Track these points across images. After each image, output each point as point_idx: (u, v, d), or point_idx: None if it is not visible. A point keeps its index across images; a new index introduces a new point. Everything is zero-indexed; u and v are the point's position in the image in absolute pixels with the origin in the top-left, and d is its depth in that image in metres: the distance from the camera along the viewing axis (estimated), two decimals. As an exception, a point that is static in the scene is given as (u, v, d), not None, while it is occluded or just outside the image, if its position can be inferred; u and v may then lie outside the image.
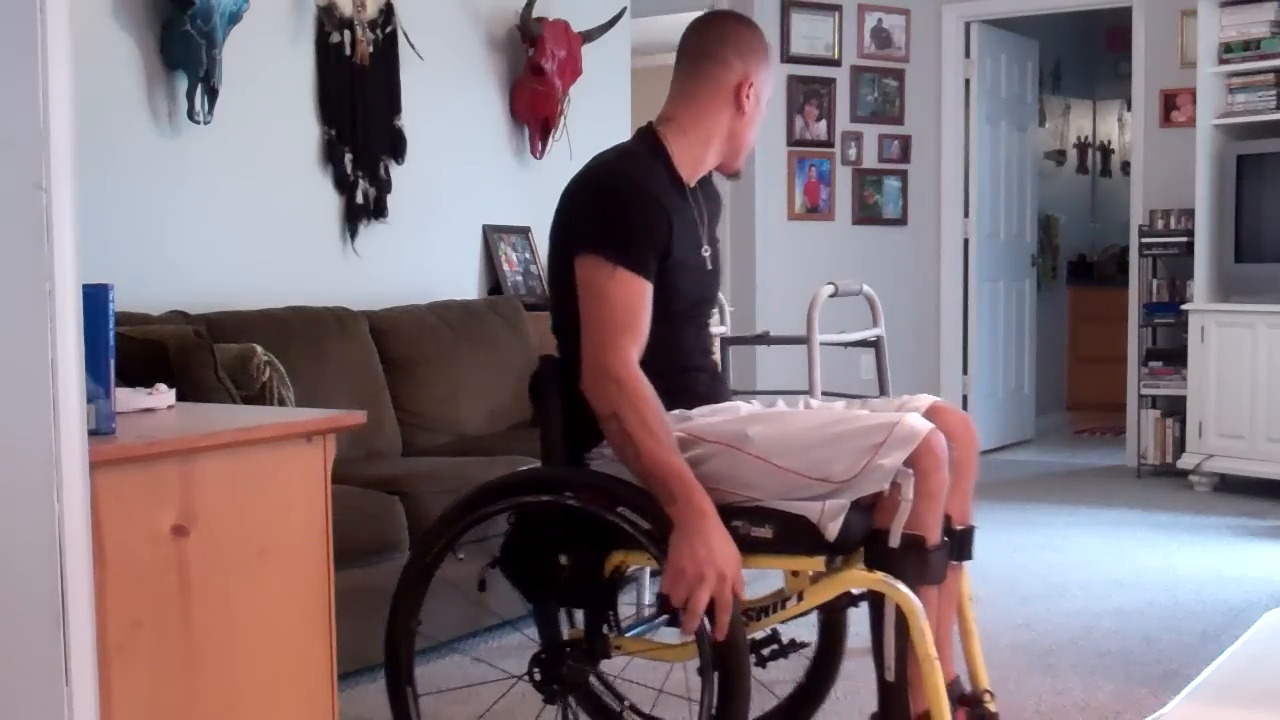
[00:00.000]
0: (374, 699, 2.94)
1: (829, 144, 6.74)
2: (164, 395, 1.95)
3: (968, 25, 6.94)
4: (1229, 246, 5.80)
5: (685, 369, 2.40)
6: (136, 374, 2.09)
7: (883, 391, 2.97)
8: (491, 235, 4.78)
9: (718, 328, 3.39)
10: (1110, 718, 2.91)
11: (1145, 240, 6.32)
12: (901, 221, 6.94)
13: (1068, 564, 4.44)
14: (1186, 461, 5.85)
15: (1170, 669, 3.24)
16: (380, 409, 3.86)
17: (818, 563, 2.17)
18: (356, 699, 2.83)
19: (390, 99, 4.29)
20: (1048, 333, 8.13)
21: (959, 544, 2.34)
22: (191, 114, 3.60)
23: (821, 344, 2.88)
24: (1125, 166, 8.54)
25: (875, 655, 2.23)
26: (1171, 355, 6.15)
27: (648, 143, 2.39)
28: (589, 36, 4.95)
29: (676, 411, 2.28)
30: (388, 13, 4.25)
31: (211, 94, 3.61)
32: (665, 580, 2.09)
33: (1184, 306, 5.94)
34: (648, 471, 2.13)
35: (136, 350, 2.76)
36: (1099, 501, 5.61)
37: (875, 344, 3.16)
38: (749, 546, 2.15)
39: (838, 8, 6.71)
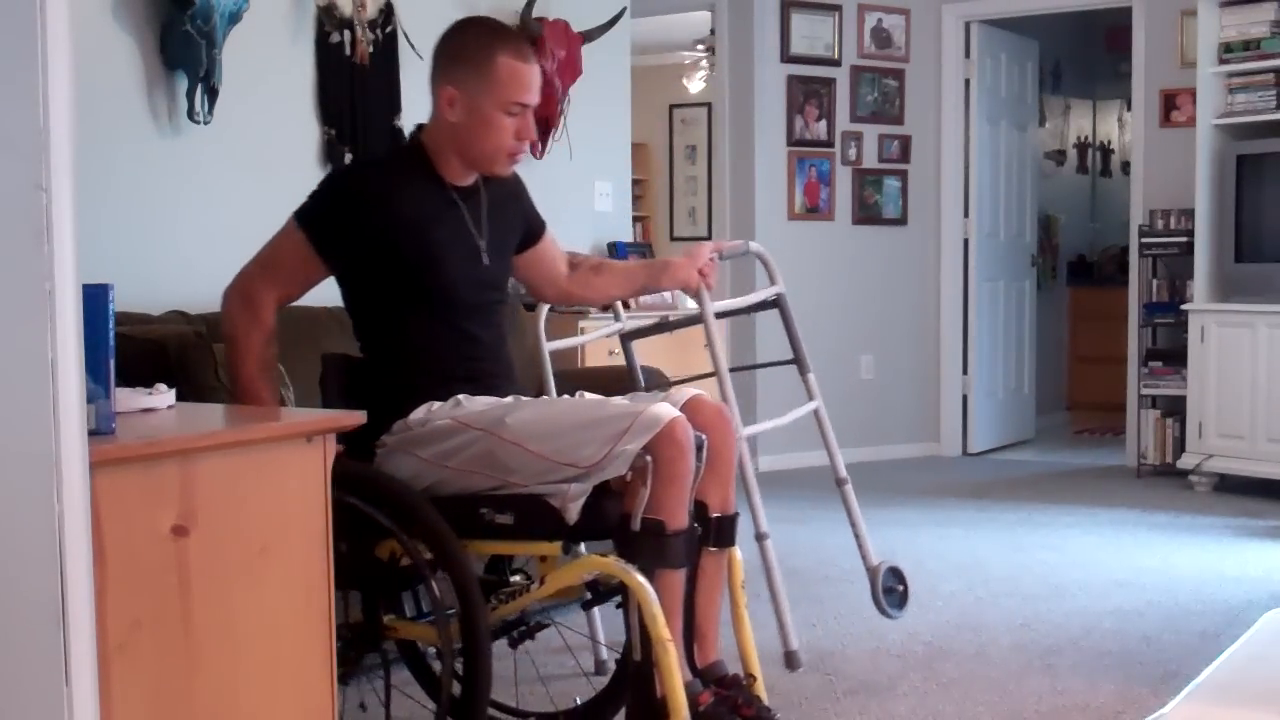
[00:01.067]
0: (374, 699, 2.94)
1: (829, 144, 6.74)
2: (164, 395, 1.95)
3: (968, 25, 6.94)
4: (1229, 246, 5.80)
5: (463, 358, 2.53)
6: (136, 374, 2.09)
7: (795, 352, 2.91)
8: (491, 235, 4.78)
9: (614, 325, 3.38)
10: (1110, 718, 2.91)
11: (1145, 240, 6.33)
12: (901, 221, 6.95)
13: (1068, 564, 4.44)
14: (1186, 461, 5.86)
15: (1170, 669, 3.24)
16: (380, 409, 3.86)
17: (555, 547, 2.29)
18: (357, 699, 2.82)
19: (390, 99, 4.28)
20: (1048, 333, 8.13)
21: (718, 531, 2.44)
22: (191, 114, 3.60)
23: (720, 315, 2.82)
24: (1125, 166, 8.55)
25: (627, 639, 2.33)
26: (1171, 355, 6.15)
27: (409, 149, 2.60)
28: (589, 36, 4.95)
29: (453, 399, 2.43)
30: (388, 13, 4.25)
31: (211, 94, 3.61)
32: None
33: (1184, 306, 5.94)
34: (234, 378, 2.48)
35: (136, 350, 2.76)
36: (1099, 501, 5.61)
37: (777, 303, 3.04)
38: (492, 533, 2.29)
39: (838, 8, 6.72)
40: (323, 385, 2.63)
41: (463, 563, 2.26)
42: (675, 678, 2.20)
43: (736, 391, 2.78)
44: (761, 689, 2.49)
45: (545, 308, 2.99)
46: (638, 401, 2.40)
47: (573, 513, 2.26)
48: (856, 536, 3.04)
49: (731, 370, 2.84)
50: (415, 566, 2.32)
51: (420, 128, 2.60)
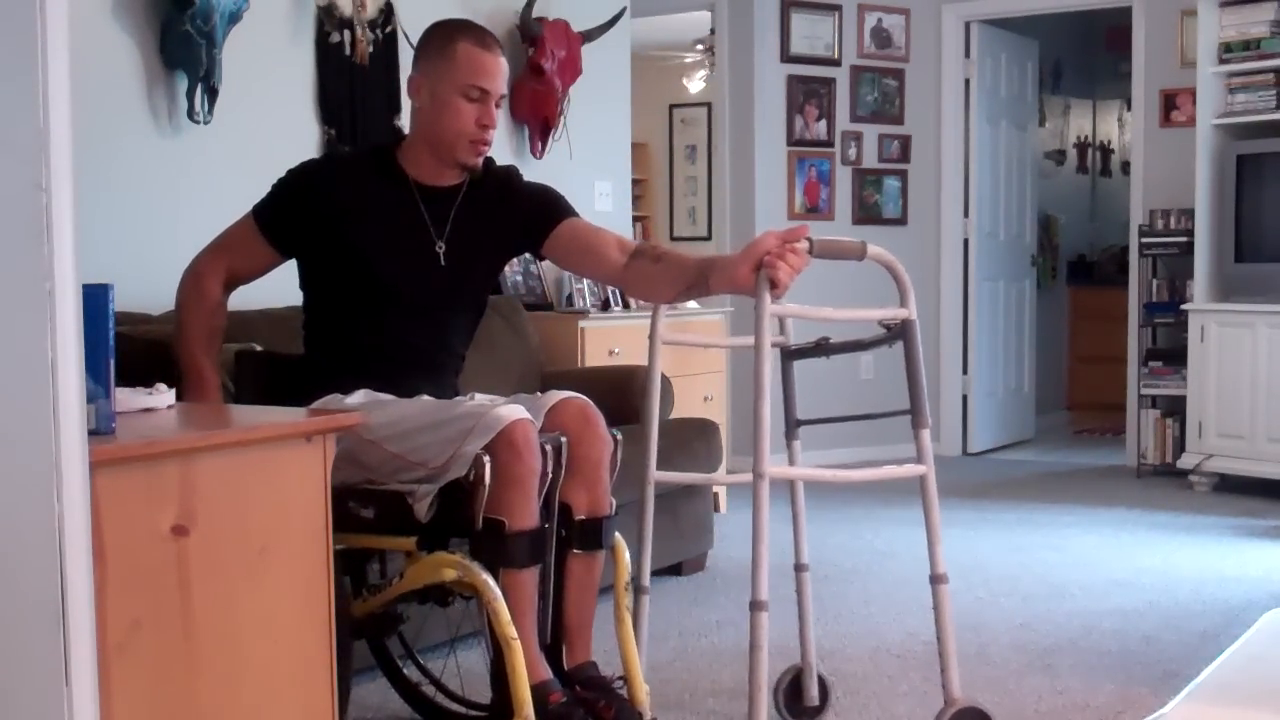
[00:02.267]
0: (374, 699, 2.95)
1: (829, 144, 6.74)
2: (164, 395, 1.95)
3: (968, 25, 6.95)
4: (1229, 246, 5.80)
5: (383, 357, 2.58)
6: (136, 374, 2.09)
7: (913, 399, 2.45)
8: (491, 235, 4.78)
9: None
10: (1110, 718, 2.91)
11: (1145, 240, 6.33)
12: (901, 221, 6.95)
13: (1068, 564, 4.44)
14: (1186, 461, 5.86)
15: (1170, 669, 3.24)
16: (380, 409, 3.86)
17: (409, 543, 2.35)
18: (357, 699, 2.83)
19: (390, 99, 4.28)
20: (1048, 332, 8.13)
21: (582, 534, 2.47)
22: (191, 114, 3.60)
23: (823, 349, 2.66)
24: (1125, 166, 8.55)
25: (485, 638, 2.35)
26: (1171, 355, 6.15)
27: (376, 148, 2.70)
28: (589, 36, 4.95)
29: (353, 394, 2.48)
30: (388, 13, 4.25)
31: (211, 94, 3.61)
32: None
33: (1184, 306, 5.94)
34: (180, 361, 2.53)
35: (136, 350, 2.76)
36: (1099, 501, 5.61)
37: (902, 332, 2.56)
38: (356, 525, 2.34)
39: (838, 8, 6.72)
40: (236, 382, 2.72)
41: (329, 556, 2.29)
42: (519, 675, 2.21)
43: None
44: (638, 690, 2.46)
45: (662, 309, 2.70)
46: (494, 404, 2.40)
47: (421, 511, 2.31)
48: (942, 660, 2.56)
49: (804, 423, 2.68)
50: None
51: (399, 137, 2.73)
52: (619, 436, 2.56)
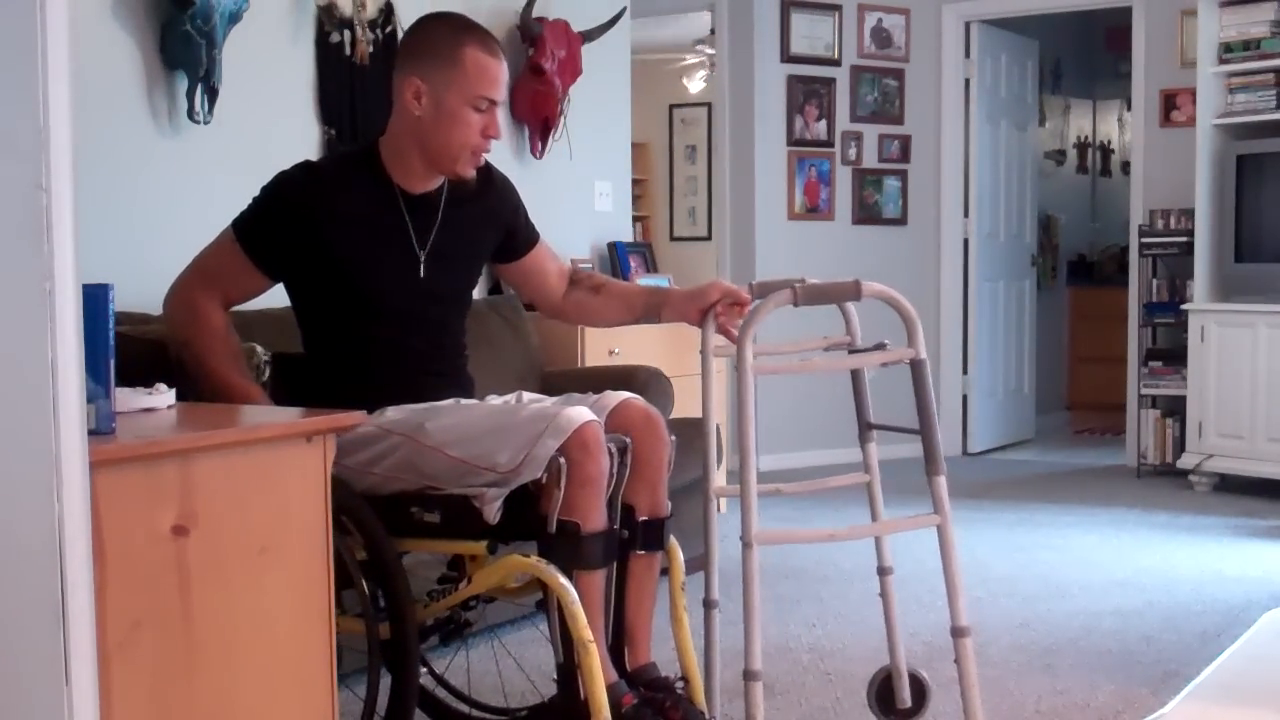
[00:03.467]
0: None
1: (829, 144, 6.74)
2: (164, 395, 1.95)
3: (968, 25, 6.94)
4: (1229, 246, 5.80)
5: (395, 368, 2.54)
6: (136, 374, 2.09)
7: (926, 445, 2.49)
8: (491, 235, 4.78)
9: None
10: (1110, 718, 2.91)
11: (1145, 240, 6.33)
12: (901, 221, 6.95)
13: (1068, 564, 4.44)
14: (1186, 461, 5.85)
15: (1170, 669, 3.24)
16: (380, 409, 3.86)
17: (479, 546, 2.32)
18: (357, 699, 2.82)
19: (390, 99, 4.28)
20: (1048, 333, 8.13)
21: (645, 535, 2.46)
22: (191, 114, 3.59)
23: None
24: (1125, 166, 8.55)
25: (552, 640, 2.33)
26: (1171, 355, 6.15)
27: (359, 154, 2.57)
28: (589, 36, 4.95)
29: (390, 409, 2.44)
30: (388, 13, 4.25)
31: (211, 94, 3.61)
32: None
33: (1184, 306, 5.94)
34: (214, 390, 2.41)
35: (136, 350, 2.76)
36: (1099, 501, 5.61)
37: (914, 370, 2.44)
38: (420, 531, 2.32)
39: (838, 8, 6.72)
40: (272, 384, 2.66)
41: (393, 562, 2.27)
42: (596, 678, 2.20)
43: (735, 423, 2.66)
44: (698, 692, 2.47)
45: (711, 325, 2.69)
46: (558, 405, 2.39)
47: (491, 513, 2.28)
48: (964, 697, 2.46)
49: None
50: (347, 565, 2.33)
51: (378, 134, 2.58)
52: (674, 438, 2.56)
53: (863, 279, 2.34)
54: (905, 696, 2.76)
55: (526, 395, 2.59)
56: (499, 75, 2.47)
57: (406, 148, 2.51)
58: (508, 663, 3.12)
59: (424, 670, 2.84)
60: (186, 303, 2.51)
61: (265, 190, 2.53)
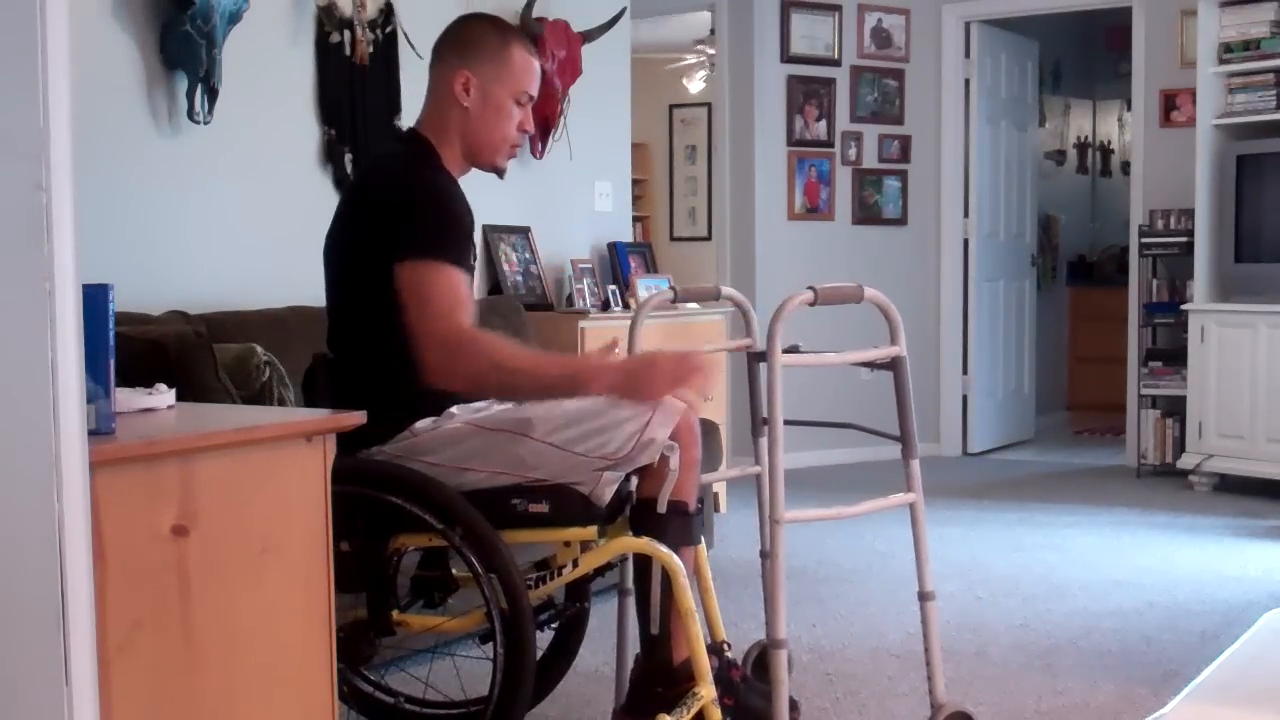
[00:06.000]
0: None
1: (829, 144, 6.74)
2: (164, 395, 1.95)
3: (968, 25, 6.95)
4: (1229, 246, 5.80)
5: None
6: (136, 374, 2.09)
7: (903, 430, 2.66)
8: (491, 235, 4.79)
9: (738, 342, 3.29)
10: (1110, 718, 2.91)
11: (1145, 240, 6.33)
12: (901, 221, 6.95)
13: (1068, 564, 4.44)
14: (1186, 461, 5.86)
15: (1170, 669, 3.24)
16: (380, 409, 3.85)
17: (591, 532, 2.40)
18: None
19: (390, 99, 4.28)
20: (1048, 333, 8.13)
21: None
22: (191, 114, 3.60)
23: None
24: (1125, 166, 8.55)
25: (640, 613, 2.47)
26: (1171, 355, 6.15)
27: (423, 146, 2.56)
28: (589, 36, 4.95)
29: (454, 408, 2.48)
30: (388, 13, 4.25)
31: (211, 94, 3.61)
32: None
33: (1184, 306, 5.94)
34: (551, 381, 2.37)
35: (136, 350, 2.76)
36: (1099, 501, 5.61)
37: (893, 367, 2.69)
38: (528, 522, 2.38)
39: (838, 8, 6.72)
40: (309, 385, 2.63)
41: (508, 556, 2.33)
42: (699, 644, 2.35)
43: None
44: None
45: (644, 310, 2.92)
46: None
47: (606, 498, 2.38)
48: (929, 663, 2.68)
49: (790, 422, 2.66)
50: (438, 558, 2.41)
51: (414, 128, 2.61)
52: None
53: (862, 280, 2.61)
54: None
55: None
56: (538, 73, 2.59)
57: (449, 137, 2.56)
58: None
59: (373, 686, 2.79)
60: (454, 343, 2.36)
61: (435, 204, 2.46)
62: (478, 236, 4.76)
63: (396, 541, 2.43)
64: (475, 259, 2.55)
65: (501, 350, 2.37)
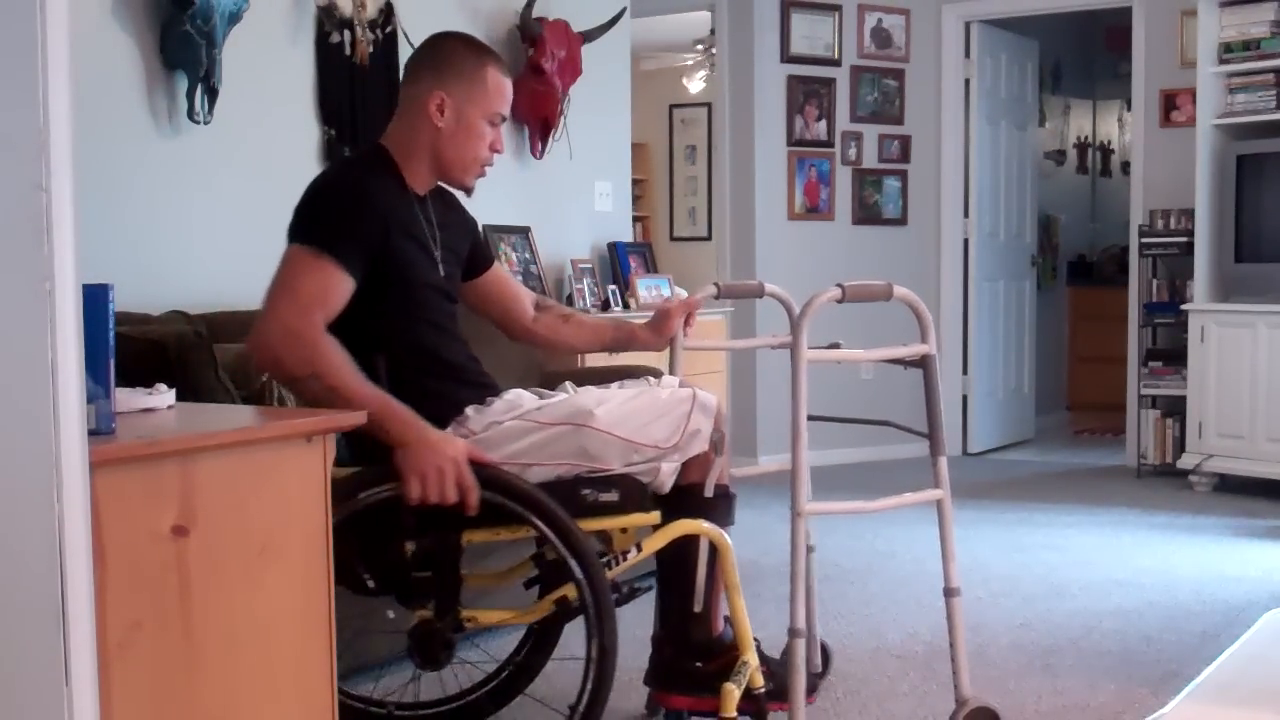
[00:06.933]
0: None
1: (829, 144, 6.74)
2: (164, 395, 1.95)
3: (968, 25, 6.95)
4: (1229, 246, 5.80)
5: (470, 365, 2.63)
6: (136, 374, 2.09)
7: (931, 428, 2.78)
8: (491, 235, 4.78)
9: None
10: (1110, 718, 2.91)
11: (1145, 240, 6.33)
12: (901, 221, 6.95)
13: (1068, 564, 4.44)
14: (1186, 461, 5.86)
15: (1170, 669, 3.24)
16: (380, 409, 3.85)
17: (654, 517, 2.52)
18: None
19: (390, 99, 4.25)
20: (1048, 333, 8.13)
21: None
22: (191, 114, 3.60)
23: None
24: (1125, 166, 8.55)
25: (671, 595, 2.67)
26: (1171, 355, 6.15)
27: (377, 155, 2.58)
28: (589, 36, 4.95)
29: (503, 402, 2.52)
30: (388, 13, 4.25)
31: (211, 94, 3.61)
32: (408, 486, 2.31)
33: (1184, 306, 5.94)
34: (356, 409, 2.31)
35: (136, 350, 2.76)
36: (1099, 501, 5.61)
37: (922, 365, 2.78)
38: (599, 510, 2.48)
39: (838, 8, 6.72)
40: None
41: (591, 546, 2.42)
42: (744, 615, 2.54)
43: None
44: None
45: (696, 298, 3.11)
46: (684, 387, 2.62)
47: (668, 486, 2.52)
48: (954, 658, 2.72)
49: (823, 418, 2.92)
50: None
51: (380, 139, 2.62)
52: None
53: (863, 279, 2.73)
54: None
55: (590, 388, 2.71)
56: (510, 94, 2.64)
57: (418, 153, 2.58)
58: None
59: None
60: (296, 337, 2.32)
61: (331, 194, 2.46)
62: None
63: (466, 537, 2.48)
64: (387, 269, 2.46)
65: (329, 364, 2.31)
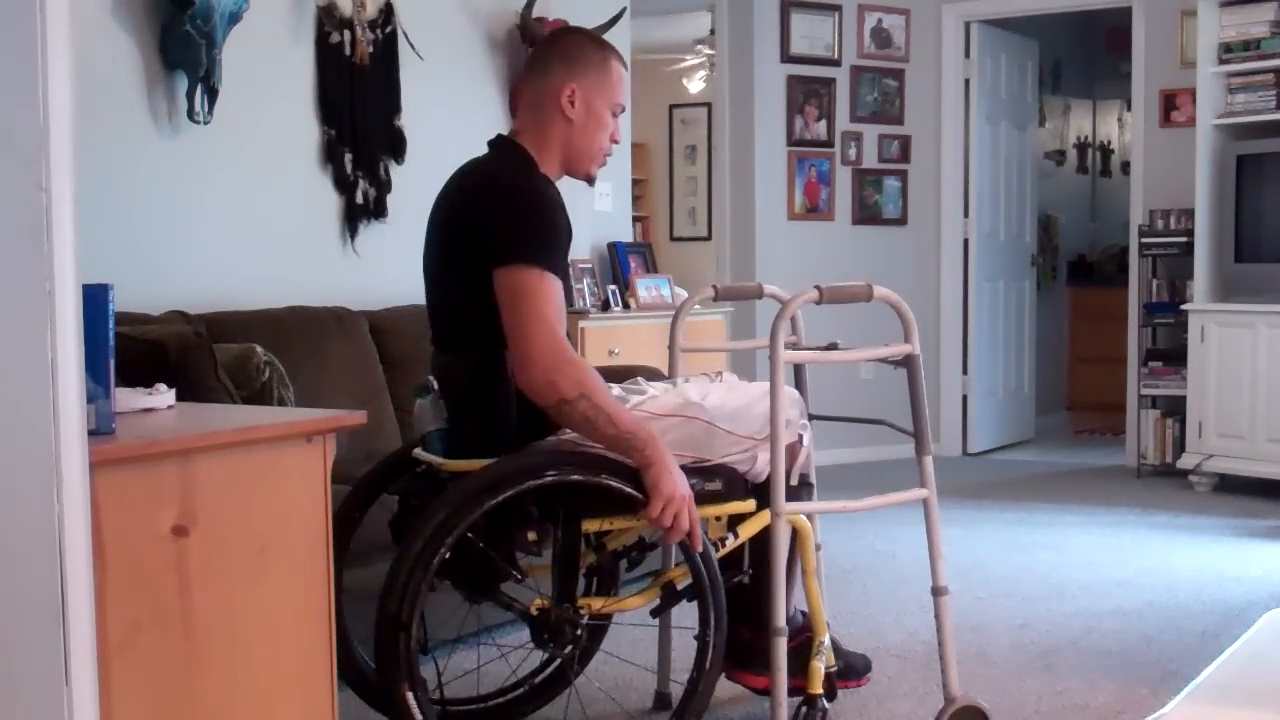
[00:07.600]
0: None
1: (829, 144, 6.74)
2: (164, 395, 1.95)
3: (968, 25, 6.94)
4: (1229, 246, 5.80)
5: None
6: (136, 374, 2.09)
7: (916, 427, 2.69)
8: (491, 235, 4.78)
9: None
10: (1110, 718, 2.91)
11: (1145, 240, 6.33)
12: (901, 221, 6.95)
13: (1068, 564, 4.44)
14: (1186, 461, 5.85)
15: (1170, 669, 3.24)
16: (380, 409, 3.86)
17: (750, 505, 2.61)
18: (356, 699, 2.82)
19: (390, 99, 4.29)
20: (1048, 333, 8.13)
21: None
22: (191, 114, 3.60)
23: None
24: (1125, 166, 8.54)
25: (760, 576, 2.65)
26: (1171, 355, 6.15)
27: (520, 153, 2.58)
28: (589, 36, 4.94)
29: (615, 393, 2.55)
30: (388, 13, 4.25)
31: (211, 94, 3.62)
32: (654, 508, 2.38)
33: (1184, 306, 5.94)
34: (621, 433, 2.38)
35: (136, 350, 2.77)
36: (1099, 501, 5.61)
37: (906, 364, 2.67)
38: (705, 499, 2.53)
39: (838, 8, 6.72)
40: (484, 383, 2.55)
41: (705, 534, 2.49)
42: (819, 598, 2.74)
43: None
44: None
45: (688, 300, 3.18)
46: (758, 383, 2.70)
47: (763, 475, 2.58)
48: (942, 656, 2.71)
49: (814, 418, 2.96)
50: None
51: (506, 135, 2.64)
52: None
53: (864, 279, 2.74)
54: None
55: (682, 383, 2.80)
56: (629, 85, 2.71)
57: (551, 145, 2.60)
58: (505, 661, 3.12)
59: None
60: (566, 363, 2.36)
61: (543, 210, 2.47)
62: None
63: (585, 526, 2.51)
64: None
65: (595, 384, 2.37)
